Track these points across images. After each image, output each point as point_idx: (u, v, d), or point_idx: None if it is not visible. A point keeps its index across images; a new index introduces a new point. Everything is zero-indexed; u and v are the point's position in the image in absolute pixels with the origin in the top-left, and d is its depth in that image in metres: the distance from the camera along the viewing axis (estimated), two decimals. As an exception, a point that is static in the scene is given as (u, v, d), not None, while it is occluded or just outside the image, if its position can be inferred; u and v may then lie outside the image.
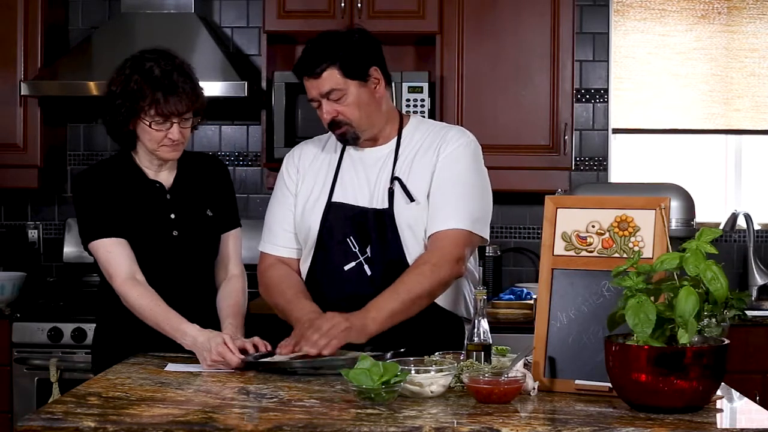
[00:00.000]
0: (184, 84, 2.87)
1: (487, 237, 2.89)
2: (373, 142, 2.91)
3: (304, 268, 2.93)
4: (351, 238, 2.84)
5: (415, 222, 2.83)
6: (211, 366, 2.66)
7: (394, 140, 2.91)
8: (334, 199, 2.88)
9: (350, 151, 2.93)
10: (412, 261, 2.81)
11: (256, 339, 2.75)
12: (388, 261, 2.82)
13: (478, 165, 2.90)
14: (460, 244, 2.80)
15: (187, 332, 2.76)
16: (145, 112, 2.85)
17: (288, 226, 2.96)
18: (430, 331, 2.82)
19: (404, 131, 2.93)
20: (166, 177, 3.01)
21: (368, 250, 2.83)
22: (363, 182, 2.88)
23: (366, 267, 2.83)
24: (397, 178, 2.85)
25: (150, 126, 2.86)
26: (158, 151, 2.91)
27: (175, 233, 2.96)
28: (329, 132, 2.93)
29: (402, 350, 2.62)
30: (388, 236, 2.82)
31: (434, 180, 2.84)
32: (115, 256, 2.88)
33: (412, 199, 2.82)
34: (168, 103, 2.84)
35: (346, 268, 2.85)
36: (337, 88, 2.79)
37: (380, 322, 2.69)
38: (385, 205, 2.83)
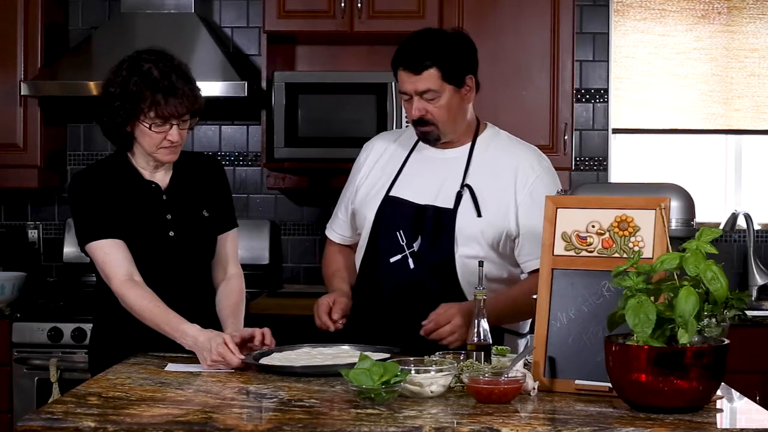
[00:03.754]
0: (183, 85, 2.86)
1: None
2: (448, 144, 2.96)
3: (359, 256, 3.02)
4: (401, 231, 2.91)
5: (473, 232, 2.88)
6: (212, 366, 2.65)
7: (467, 146, 2.97)
8: (392, 194, 2.95)
9: (421, 149, 3.00)
10: (459, 265, 2.87)
11: (266, 330, 2.76)
12: (435, 258, 2.88)
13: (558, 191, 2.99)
14: None
15: (188, 332, 2.75)
16: (144, 114, 2.84)
17: (342, 215, 3.12)
18: None
19: (479, 139, 2.99)
20: (162, 177, 3.00)
21: (415, 245, 2.89)
22: (428, 180, 2.94)
23: (410, 260, 2.90)
24: (468, 186, 2.89)
25: (149, 128, 2.85)
26: (156, 153, 2.90)
27: (171, 234, 2.96)
28: (404, 128, 3.03)
29: (397, 350, 2.64)
30: (442, 236, 2.88)
31: (525, 214, 2.87)
32: (113, 258, 2.87)
33: (480, 214, 2.87)
34: (168, 104, 2.83)
35: (392, 260, 2.91)
36: (433, 89, 2.86)
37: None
38: (450, 205, 2.88)
